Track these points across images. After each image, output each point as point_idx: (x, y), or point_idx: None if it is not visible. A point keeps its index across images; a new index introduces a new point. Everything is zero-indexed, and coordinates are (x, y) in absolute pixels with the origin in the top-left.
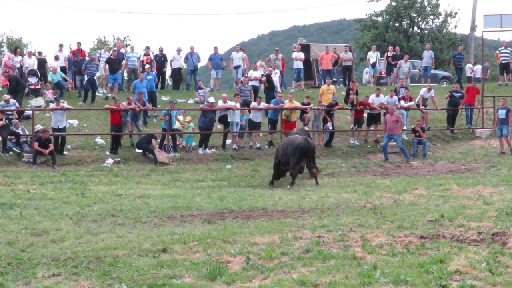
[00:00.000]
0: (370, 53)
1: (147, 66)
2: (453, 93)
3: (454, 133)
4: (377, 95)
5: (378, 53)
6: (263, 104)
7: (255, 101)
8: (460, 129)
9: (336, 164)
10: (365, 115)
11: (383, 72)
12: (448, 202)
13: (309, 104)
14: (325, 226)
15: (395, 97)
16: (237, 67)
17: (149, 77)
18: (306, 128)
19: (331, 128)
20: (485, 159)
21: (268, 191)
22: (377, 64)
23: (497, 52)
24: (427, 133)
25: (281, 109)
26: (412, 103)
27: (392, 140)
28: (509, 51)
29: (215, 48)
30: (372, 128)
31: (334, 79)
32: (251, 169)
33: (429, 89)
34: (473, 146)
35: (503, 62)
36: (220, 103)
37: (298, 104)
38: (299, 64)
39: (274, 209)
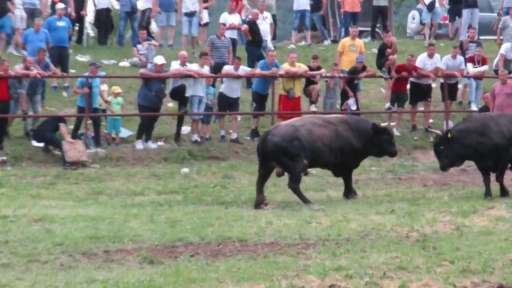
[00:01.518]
0: None
1: (60, 5)
2: None
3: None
4: (430, 55)
5: None
6: (244, 69)
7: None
8: None
9: (362, 166)
10: (408, 86)
11: (442, 19)
12: None
13: (319, 68)
14: (342, 269)
15: (460, 58)
16: (189, 15)
17: (61, 23)
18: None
19: (354, 107)
20: None
21: (249, 211)
22: (437, 5)
23: None
24: None
25: (274, 77)
26: (486, 67)
27: None
28: None
29: None
30: (421, 108)
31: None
32: (222, 175)
33: None
34: None
35: None
36: (175, 66)
37: (302, 68)
38: (303, 4)
39: (259, 241)
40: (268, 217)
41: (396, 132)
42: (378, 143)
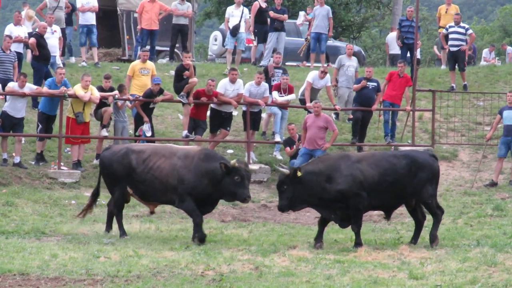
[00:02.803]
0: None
1: None
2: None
3: (363, 152)
4: (232, 81)
5: (245, 9)
6: (30, 87)
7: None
8: (375, 146)
9: None
10: (208, 113)
11: (251, 41)
12: (348, 273)
13: (111, 90)
14: None
15: (264, 85)
16: None
17: None
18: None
19: (149, 134)
20: None
21: (32, 242)
22: (242, 30)
23: (444, 31)
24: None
25: (63, 97)
26: (293, 96)
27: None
28: (463, 31)
29: None
30: (218, 138)
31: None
32: (3, 202)
33: (323, 73)
34: None
35: (452, 50)
36: None
37: (94, 95)
38: (90, 19)
39: (41, 275)
40: (52, 249)
41: None
42: (228, 185)
